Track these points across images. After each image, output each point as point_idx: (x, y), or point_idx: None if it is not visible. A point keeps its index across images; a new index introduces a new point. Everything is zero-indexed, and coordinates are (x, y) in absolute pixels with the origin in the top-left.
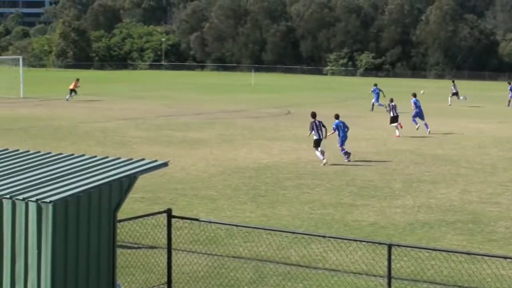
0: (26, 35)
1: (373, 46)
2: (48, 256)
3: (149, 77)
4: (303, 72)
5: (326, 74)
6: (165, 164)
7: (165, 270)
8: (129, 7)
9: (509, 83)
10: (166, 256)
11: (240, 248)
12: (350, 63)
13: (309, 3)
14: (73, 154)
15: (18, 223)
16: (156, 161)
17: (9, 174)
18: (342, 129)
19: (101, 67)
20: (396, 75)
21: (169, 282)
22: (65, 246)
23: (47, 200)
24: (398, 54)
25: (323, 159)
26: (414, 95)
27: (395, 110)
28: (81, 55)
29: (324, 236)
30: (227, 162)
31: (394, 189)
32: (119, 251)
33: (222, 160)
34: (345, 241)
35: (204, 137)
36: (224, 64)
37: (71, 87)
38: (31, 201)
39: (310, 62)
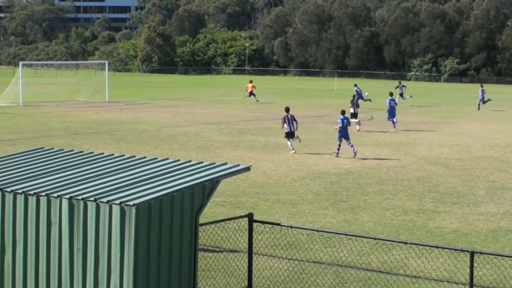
0: (112, 40)
1: (458, 51)
2: (131, 259)
3: (233, 82)
4: (386, 77)
5: (409, 80)
6: (247, 169)
7: (246, 274)
8: (213, 12)
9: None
10: (247, 260)
11: (320, 253)
12: (434, 68)
13: (393, 8)
14: (156, 158)
15: (102, 225)
16: (238, 165)
17: (94, 177)
18: (345, 125)
19: (185, 72)
20: (480, 81)
21: (249, 286)
22: (148, 249)
23: (131, 203)
24: (483, 60)
25: (293, 149)
26: (391, 94)
27: (356, 107)
28: (166, 60)
29: (405, 243)
30: (309, 167)
31: (477, 196)
32: (200, 254)
33: (304, 165)
34: (427, 247)
35: (285, 142)
36: (307, 69)
37: (249, 90)
38: (114, 204)
39: (393, 67)
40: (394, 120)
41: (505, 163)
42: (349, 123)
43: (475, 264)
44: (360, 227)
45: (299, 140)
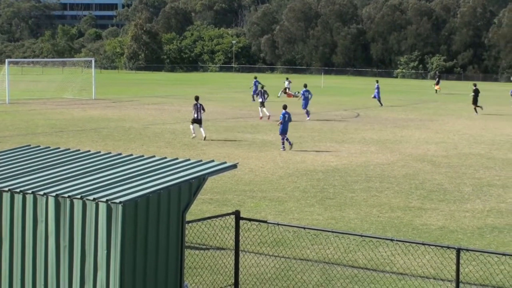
0: (98, 37)
1: (444, 49)
2: (117, 257)
3: (219, 79)
4: (373, 75)
5: (396, 77)
6: (234, 166)
7: (233, 272)
8: (200, 9)
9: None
10: (233, 257)
11: (307, 250)
12: (420, 66)
13: (380, 6)
14: (143, 156)
15: (88, 223)
16: (225, 162)
17: (80, 175)
18: (286, 120)
19: (172, 70)
20: (467, 78)
21: (236, 283)
22: (134, 246)
23: (117, 200)
24: (469, 57)
25: (193, 134)
26: (305, 86)
27: (263, 96)
28: (153, 57)
29: (392, 240)
30: (295, 165)
31: (464, 193)
32: (187, 252)
33: (291, 163)
34: (413, 244)
35: (273, 139)
36: (294, 66)
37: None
38: (101, 201)
39: (380, 65)
40: (306, 111)
41: (491, 160)
42: (290, 119)
43: (461, 261)
44: (346, 224)
45: (204, 137)
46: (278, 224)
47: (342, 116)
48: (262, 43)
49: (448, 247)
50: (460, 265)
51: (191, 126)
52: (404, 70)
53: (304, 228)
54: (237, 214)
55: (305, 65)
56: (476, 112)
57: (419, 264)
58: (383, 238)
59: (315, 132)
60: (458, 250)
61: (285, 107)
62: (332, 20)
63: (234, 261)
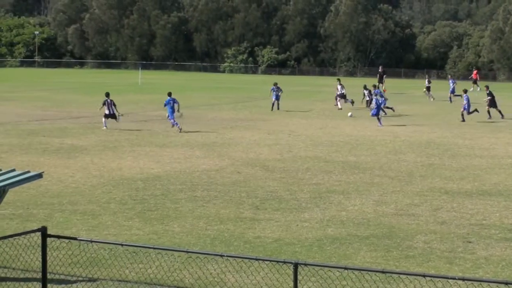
0: None
1: (276, 40)
2: None
3: (20, 76)
4: (197, 69)
5: (223, 72)
6: (39, 176)
7: None
8: None
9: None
10: (41, 281)
11: (126, 270)
12: (250, 59)
13: None
14: None
15: None
16: (28, 172)
17: None
18: (172, 105)
19: None
20: (302, 73)
21: None
22: None
23: None
24: (304, 49)
25: (105, 126)
26: (169, 94)
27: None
28: None
29: (222, 255)
30: (111, 173)
31: (301, 201)
32: None
33: (105, 170)
34: (246, 260)
35: (84, 144)
36: (107, 60)
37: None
38: None
39: (205, 58)
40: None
41: (330, 163)
42: (176, 102)
43: (299, 277)
44: (170, 239)
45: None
46: (91, 241)
47: (163, 117)
48: (70, 33)
49: (285, 262)
50: (298, 281)
51: (103, 119)
52: (232, 64)
53: (122, 245)
54: (43, 230)
55: (119, 58)
56: (502, 115)
57: (253, 282)
58: (212, 254)
59: (133, 135)
60: (296, 265)
61: (169, 94)
62: (149, 7)
63: (41, 286)
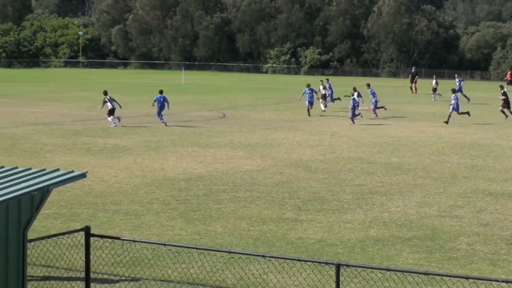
0: None
1: (319, 40)
2: None
3: (65, 76)
4: (240, 70)
5: (266, 72)
6: (82, 175)
7: None
8: None
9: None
10: (84, 280)
11: (168, 270)
12: (293, 59)
13: None
14: None
15: None
16: (72, 171)
17: None
18: (162, 102)
19: (9, 65)
20: (345, 73)
21: None
22: None
23: None
24: (347, 50)
25: (114, 124)
26: (161, 92)
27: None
28: None
29: (264, 256)
30: (154, 173)
31: (343, 202)
32: (29, 275)
33: (148, 171)
34: (288, 261)
35: (127, 144)
36: (150, 61)
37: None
38: None
39: (247, 58)
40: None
41: (373, 164)
42: (167, 101)
43: (341, 278)
44: (212, 240)
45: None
46: (134, 241)
47: (206, 117)
48: (113, 34)
49: (327, 263)
50: (341, 282)
51: (109, 119)
52: (274, 65)
53: (165, 245)
54: (87, 230)
55: (163, 59)
56: (506, 116)
57: (295, 283)
58: (254, 255)
59: (176, 136)
60: (338, 266)
61: (161, 92)
62: (193, 8)
63: (85, 285)
